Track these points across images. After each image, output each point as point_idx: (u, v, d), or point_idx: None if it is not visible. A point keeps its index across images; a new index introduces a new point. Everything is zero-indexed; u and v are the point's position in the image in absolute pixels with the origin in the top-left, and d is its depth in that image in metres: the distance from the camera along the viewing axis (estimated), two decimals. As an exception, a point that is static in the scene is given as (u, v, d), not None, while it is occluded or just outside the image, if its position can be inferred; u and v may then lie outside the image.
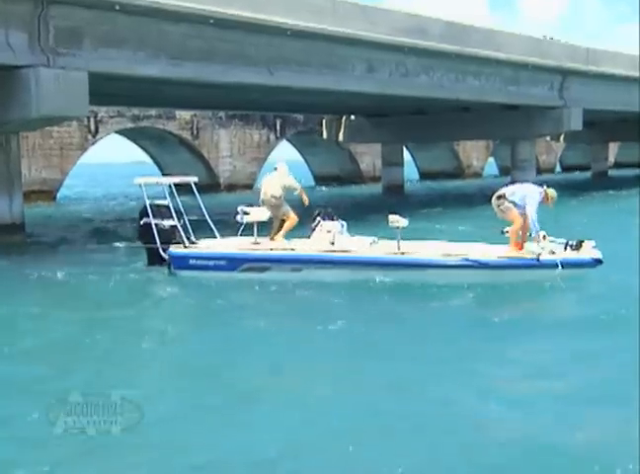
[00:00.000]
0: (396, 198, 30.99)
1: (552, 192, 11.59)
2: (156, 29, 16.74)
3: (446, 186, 42.74)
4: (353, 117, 34.72)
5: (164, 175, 41.39)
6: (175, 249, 12.08)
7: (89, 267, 13.09)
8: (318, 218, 12.32)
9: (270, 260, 11.78)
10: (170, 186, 12.65)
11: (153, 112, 37.03)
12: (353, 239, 12.08)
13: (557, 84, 29.96)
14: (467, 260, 11.07)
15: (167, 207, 12.32)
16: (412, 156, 54.22)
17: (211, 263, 11.81)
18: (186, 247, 12.09)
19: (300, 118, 43.67)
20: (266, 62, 19.27)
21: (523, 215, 11.46)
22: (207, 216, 12.72)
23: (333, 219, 12.25)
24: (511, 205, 11.39)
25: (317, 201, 22.61)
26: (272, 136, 43.41)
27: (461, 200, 29.71)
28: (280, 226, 12.84)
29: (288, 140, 46.80)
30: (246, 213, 12.35)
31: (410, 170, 47.36)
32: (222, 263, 11.77)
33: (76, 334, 8.56)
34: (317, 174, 49.41)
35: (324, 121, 36.56)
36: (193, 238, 12.35)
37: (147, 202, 12.35)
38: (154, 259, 12.33)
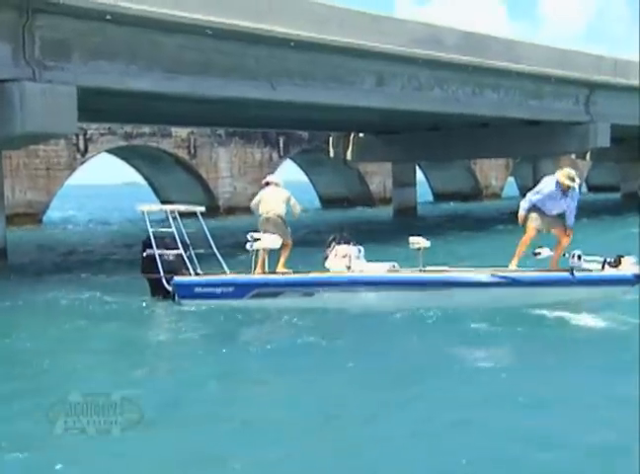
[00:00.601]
0: (408, 222, 30.91)
1: (564, 171, 11.47)
2: (149, 40, 16.81)
3: (463, 208, 42.71)
4: (361, 134, 34.74)
5: (159, 197, 41.53)
6: (179, 278, 12.13)
7: (72, 296, 13.05)
8: (333, 243, 12.28)
9: (281, 284, 11.84)
10: (175, 214, 12.67)
11: (147, 129, 37.15)
12: (370, 265, 12.09)
13: (583, 98, 30.00)
14: (497, 276, 11.10)
15: (172, 237, 12.37)
16: (425, 176, 54.26)
17: (218, 290, 11.88)
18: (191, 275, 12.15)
19: (305, 136, 43.74)
20: (267, 76, 19.31)
21: (550, 219, 11.42)
22: (215, 248, 12.65)
23: (349, 243, 12.23)
24: (528, 212, 11.40)
25: (321, 226, 22.56)
26: (274, 155, 43.48)
27: (479, 224, 29.62)
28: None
29: (292, 159, 46.85)
30: (256, 240, 12.30)
31: (423, 191, 47.33)
32: (230, 289, 11.83)
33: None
34: (323, 195, 49.45)
35: (331, 139, 36.59)
36: (199, 271, 12.37)
37: (151, 232, 12.36)
38: (158, 291, 12.33)
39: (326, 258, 12.21)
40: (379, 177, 47.74)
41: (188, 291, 11.99)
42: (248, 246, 12.25)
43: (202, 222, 12.78)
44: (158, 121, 32.51)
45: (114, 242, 25.14)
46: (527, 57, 26.64)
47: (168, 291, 12.16)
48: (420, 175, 46.95)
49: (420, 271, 11.47)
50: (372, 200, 47.53)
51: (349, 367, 8.41)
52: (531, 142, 30.54)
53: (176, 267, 12.25)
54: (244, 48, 18.59)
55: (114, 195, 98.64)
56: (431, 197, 53.90)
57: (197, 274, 12.27)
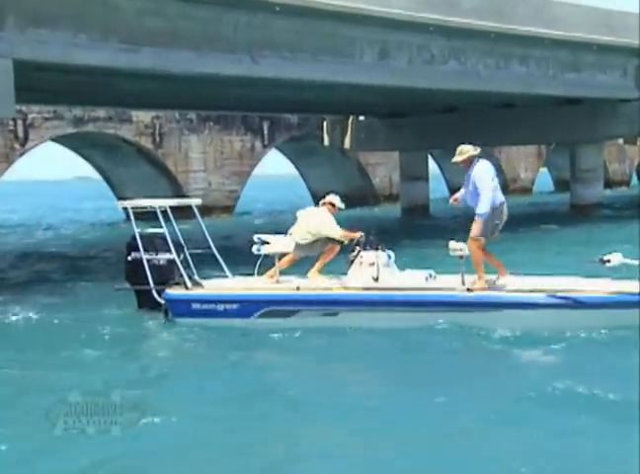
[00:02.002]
0: (420, 223, 30.84)
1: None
2: (102, 3, 16.72)
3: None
4: (362, 117, 34.75)
5: (116, 195, 41.44)
6: (173, 291, 12.20)
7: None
8: (357, 248, 12.26)
9: (296, 301, 11.91)
10: (165, 210, 12.79)
11: (101, 113, 37.06)
12: (402, 274, 12.17)
13: (632, 69, 29.90)
14: (556, 297, 11.12)
15: (162, 238, 12.50)
16: (439, 167, 54.33)
17: (221, 307, 11.97)
18: (187, 288, 12.21)
19: (294, 121, 43.74)
20: (247, 47, 19.25)
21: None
22: (214, 248, 12.85)
23: (377, 249, 12.18)
24: None
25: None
26: (257, 144, 43.43)
27: (506, 224, 29.49)
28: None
29: (279, 149, 46.86)
30: (265, 243, 12.36)
31: (437, 185, 47.33)
32: (234, 306, 11.93)
33: None
34: (316, 191, 49.24)
35: (325, 124, 36.61)
36: (196, 277, 12.47)
37: (137, 232, 12.47)
38: (146, 302, 12.49)
39: (350, 263, 12.20)
40: (384, 169, 47.77)
41: (183, 308, 12.06)
42: (254, 249, 12.34)
43: (199, 216, 12.99)
44: (115, 104, 32.39)
45: (55, 251, 25.01)
46: (563, 21, 26.55)
47: (158, 303, 12.24)
48: (433, 166, 46.96)
49: (462, 282, 11.50)
50: (375, 197, 47.56)
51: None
52: (568, 125, 30.53)
53: (167, 273, 12.38)
54: (219, 14, 18.52)
55: (62, 192, 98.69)
56: (446, 193, 53.88)
57: (194, 282, 12.33)
